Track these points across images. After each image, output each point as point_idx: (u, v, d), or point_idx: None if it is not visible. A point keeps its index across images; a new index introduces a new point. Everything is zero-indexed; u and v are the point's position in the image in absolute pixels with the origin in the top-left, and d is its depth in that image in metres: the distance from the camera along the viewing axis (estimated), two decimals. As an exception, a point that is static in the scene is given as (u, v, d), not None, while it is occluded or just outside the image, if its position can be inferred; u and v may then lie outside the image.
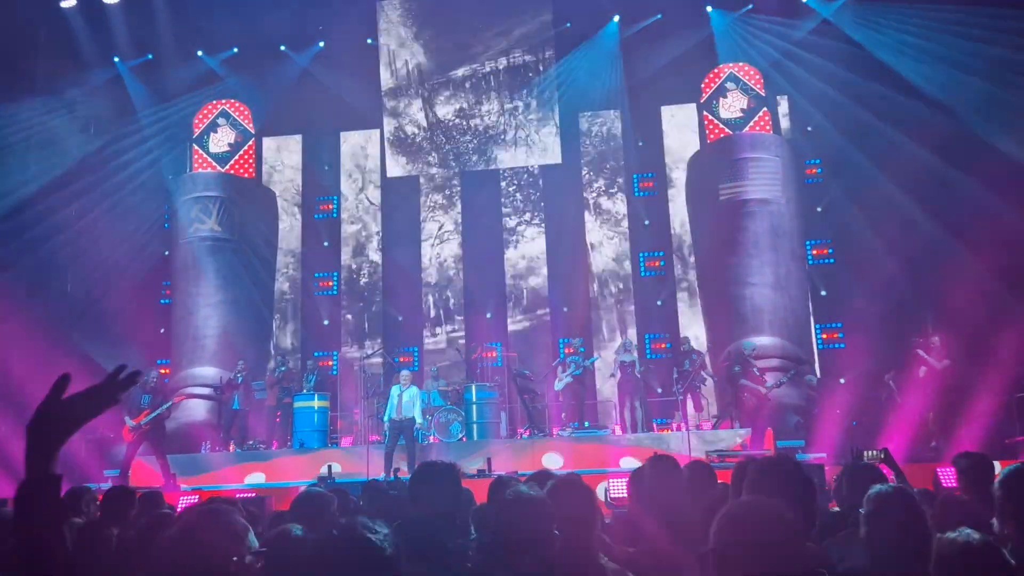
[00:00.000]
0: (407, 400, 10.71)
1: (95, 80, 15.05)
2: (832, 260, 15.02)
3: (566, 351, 13.88)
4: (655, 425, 12.88)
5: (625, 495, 4.67)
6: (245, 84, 16.18)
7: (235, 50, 15.97)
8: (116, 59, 15.41)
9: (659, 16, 15.16)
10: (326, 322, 16.14)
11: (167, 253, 15.65)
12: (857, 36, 13.81)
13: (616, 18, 15.47)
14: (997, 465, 4.49)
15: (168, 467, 10.50)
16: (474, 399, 11.84)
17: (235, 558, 1.85)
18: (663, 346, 15.17)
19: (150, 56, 15.65)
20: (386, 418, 10.89)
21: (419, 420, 10.81)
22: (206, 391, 13.54)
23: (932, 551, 2.21)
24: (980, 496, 3.94)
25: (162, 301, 15.78)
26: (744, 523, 1.79)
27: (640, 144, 15.91)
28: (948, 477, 6.29)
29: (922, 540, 2.37)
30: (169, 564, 1.86)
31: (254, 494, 8.19)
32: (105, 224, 14.69)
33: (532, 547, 2.30)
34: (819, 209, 14.98)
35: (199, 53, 15.90)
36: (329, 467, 10.09)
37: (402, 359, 15.27)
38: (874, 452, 4.52)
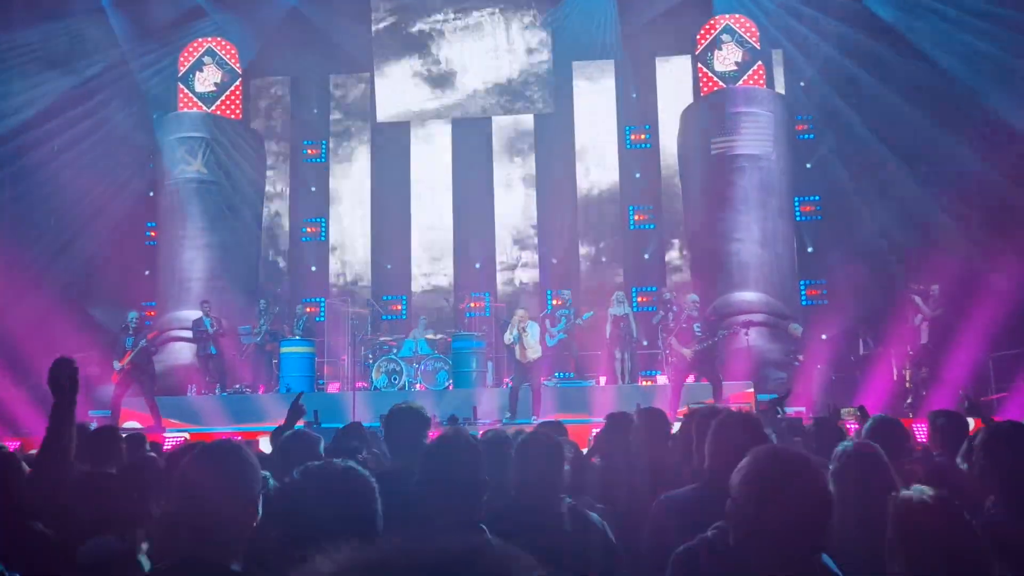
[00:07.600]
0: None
1: (77, 11, 14.58)
2: (820, 217, 15.05)
3: (554, 303, 13.91)
4: (640, 377, 13.01)
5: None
6: (232, 21, 15.74)
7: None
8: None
9: None
10: (313, 268, 16.08)
11: (152, 194, 15.43)
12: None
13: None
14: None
15: (156, 409, 10.55)
16: (461, 349, 11.92)
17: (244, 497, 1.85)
18: (650, 299, 15.24)
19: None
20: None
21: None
22: (189, 334, 13.32)
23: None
24: (951, 453, 4.05)
25: (147, 243, 15.65)
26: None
27: (634, 96, 15.71)
28: (921, 433, 6.43)
29: (885, 497, 2.39)
30: (182, 497, 1.87)
31: (240, 437, 8.25)
32: (88, 161, 14.39)
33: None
34: (808, 166, 14.92)
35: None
36: (315, 412, 10.15)
37: (392, 307, 15.34)
38: (851, 409, 4.57)
